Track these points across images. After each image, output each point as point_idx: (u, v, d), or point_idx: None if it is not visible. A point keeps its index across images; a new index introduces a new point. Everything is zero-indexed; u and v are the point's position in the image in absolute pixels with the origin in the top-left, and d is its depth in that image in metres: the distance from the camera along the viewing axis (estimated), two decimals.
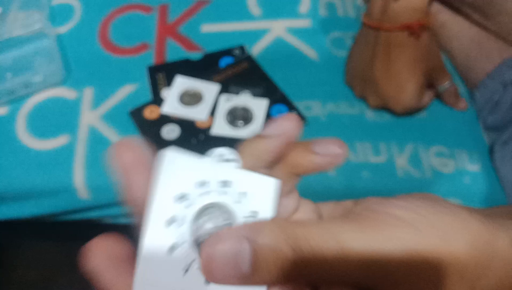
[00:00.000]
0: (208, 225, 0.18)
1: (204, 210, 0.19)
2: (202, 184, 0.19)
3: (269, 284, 0.17)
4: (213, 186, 0.19)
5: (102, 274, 0.17)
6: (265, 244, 0.16)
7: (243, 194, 0.19)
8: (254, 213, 0.19)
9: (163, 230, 0.18)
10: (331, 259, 0.16)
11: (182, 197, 0.19)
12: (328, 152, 0.20)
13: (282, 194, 0.20)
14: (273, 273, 0.16)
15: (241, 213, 0.19)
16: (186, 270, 0.18)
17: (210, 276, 0.16)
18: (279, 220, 0.18)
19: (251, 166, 0.20)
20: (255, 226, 0.17)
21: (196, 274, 0.18)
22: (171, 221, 0.18)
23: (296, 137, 0.20)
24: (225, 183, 0.19)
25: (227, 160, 0.20)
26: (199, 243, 0.18)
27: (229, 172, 0.20)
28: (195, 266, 0.18)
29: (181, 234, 0.18)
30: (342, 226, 0.17)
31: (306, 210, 0.22)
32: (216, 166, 0.20)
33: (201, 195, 0.19)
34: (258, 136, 0.20)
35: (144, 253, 0.17)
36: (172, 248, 0.18)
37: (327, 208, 0.23)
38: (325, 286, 0.18)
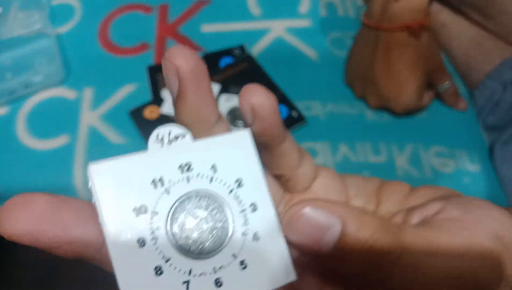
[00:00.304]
0: (189, 222, 0.16)
1: (182, 203, 0.16)
2: (161, 180, 0.16)
3: (348, 275, 0.16)
4: (176, 175, 0.16)
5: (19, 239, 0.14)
6: (358, 236, 0.15)
7: (216, 167, 0.17)
8: (239, 181, 0.17)
9: (130, 218, 0.15)
10: (421, 280, 0.16)
11: (155, 184, 0.16)
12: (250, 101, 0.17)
13: (293, 166, 0.19)
14: (350, 268, 0.16)
15: (224, 188, 0.16)
16: (158, 271, 0.15)
17: (289, 234, 0.16)
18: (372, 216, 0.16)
19: None
20: (358, 215, 0.16)
21: (170, 277, 0.15)
22: (140, 210, 0.15)
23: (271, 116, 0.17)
24: (187, 165, 0.16)
25: (176, 138, 0.17)
26: (178, 244, 0.16)
27: (187, 150, 0.16)
28: (169, 267, 0.15)
29: (153, 226, 0.15)
30: (438, 237, 0.16)
31: (327, 178, 0.21)
32: (171, 150, 0.16)
33: (173, 185, 0.16)
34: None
35: (112, 240, 0.15)
36: (142, 242, 0.15)
37: (355, 182, 0.22)
38: None
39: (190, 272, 0.15)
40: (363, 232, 0.15)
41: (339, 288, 0.18)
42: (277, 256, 0.17)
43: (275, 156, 0.19)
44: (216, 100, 0.18)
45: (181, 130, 0.17)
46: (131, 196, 0.15)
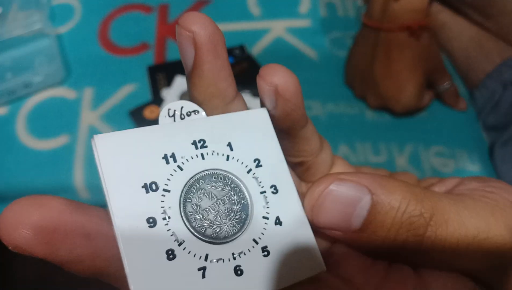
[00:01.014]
0: (205, 202, 0.14)
1: (196, 181, 0.14)
2: (173, 155, 0.14)
3: (369, 250, 0.15)
4: (189, 151, 0.14)
5: (30, 248, 0.12)
6: (393, 208, 0.14)
7: (232, 144, 0.15)
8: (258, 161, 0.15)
9: (139, 195, 0.13)
10: (453, 239, 0.15)
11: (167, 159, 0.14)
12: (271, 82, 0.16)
13: (315, 152, 0.18)
14: (386, 241, 0.14)
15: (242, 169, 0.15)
16: (170, 255, 0.13)
17: (315, 215, 0.14)
18: (399, 180, 0.15)
19: None
20: (385, 183, 0.15)
21: (184, 262, 0.13)
22: (150, 187, 0.14)
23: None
24: (201, 142, 0.15)
25: (188, 115, 0.15)
26: (190, 223, 0.14)
27: (201, 126, 0.15)
28: (183, 251, 0.13)
29: (164, 205, 0.14)
30: (475, 214, 0.15)
31: (343, 166, 0.20)
32: (184, 125, 0.15)
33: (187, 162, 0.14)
34: None
35: (119, 219, 0.13)
36: (152, 221, 0.13)
37: (366, 171, 0.21)
38: (429, 271, 0.16)
39: (206, 258, 0.14)
40: (394, 198, 0.14)
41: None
42: (303, 244, 0.15)
43: (297, 142, 0.17)
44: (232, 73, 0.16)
45: (194, 106, 0.15)
46: (140, 172, 0.14)
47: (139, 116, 0.49)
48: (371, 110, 0.51)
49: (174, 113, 0.15)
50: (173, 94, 0.50)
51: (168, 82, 0.52)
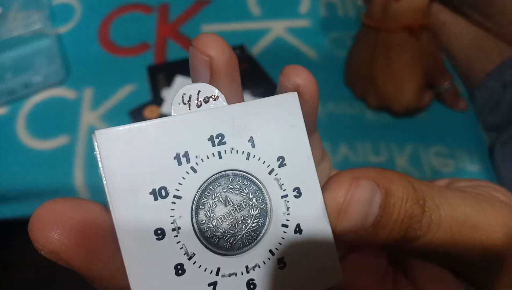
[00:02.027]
0: (219, 209, 0.13)
1: (211, 184, 0.13)
2: (184, 154, 0.13)
3: (381, 245, 0.15)
4: (203, 150, 0.13)
5: (67, 253, 0.11)
6: (398, 198, 0.14)
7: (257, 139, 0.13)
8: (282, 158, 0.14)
9: (146, 203, 0.12)
10: (446, 224, 0.15)
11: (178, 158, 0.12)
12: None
13: (317, 161, 0.18)
14: (391, 233, 0.14)
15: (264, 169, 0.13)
16: (179, 270, 0.12)
17: (341, 221, 0.14)
18: (402, 174, 0.15)
19: None
20: (387, 174, 0.14)
21: (193, 278, 0.12)
22: (159, 193, 0.12)
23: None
24: (219, 137, 0.13)
25: (206, 101, 0.13)
26: (203, 233, 0.13)
27: (220, 117, 0.13)
28: (193, 266, 0.12)
29: (175, 214, 0.12)
30: (462, 200, 0.16)
31: (329, 164, 0.20)
32: (201, 116, 0.13)
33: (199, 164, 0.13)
34: None
35: (123, 230, 0.12)
36: (160, 233, 0.12)
37: None
38: (419, 264, 0.16)
39: (218, 272, 0.13)
40: (397, 189, 0.14)
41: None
42: (322, 253, 0.14)
43: None
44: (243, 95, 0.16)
45: (214, 90, 0.13)
46: (149, 175, 0.12)
47: (139, 116, 0.49)
48: (371, 110, 0.51)
49: (190, 99, 0.13)
50: (173, 94, 0.50)
51: (168, 82, 0.52)
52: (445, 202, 0.15)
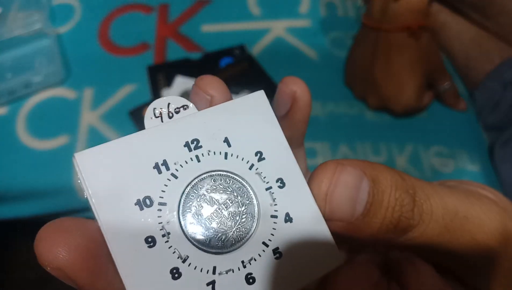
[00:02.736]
0: (206, 210, 0.13)
1: (194, 187, 0.13)
2: (164, 163, 0.13)
3: (376, 237, 0.15)
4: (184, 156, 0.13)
5: (72, 271, 0.12)
6: (386, 186, 0.14)
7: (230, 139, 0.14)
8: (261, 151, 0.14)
9: (133, 214, 0.12)
10: (439, 213, 0.15)
11: (159, 166, 0.13)
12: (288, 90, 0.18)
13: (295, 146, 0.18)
14: (383, 221, 0.14)
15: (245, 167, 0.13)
16: (175, 274, 0.12)
17: (329, 204, 0.14)
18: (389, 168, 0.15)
19: None
20: (373, 165, 0.15)
21: (190, 280, 0.12)
22: (144, 203, 0.12)
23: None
24: (194, 142, 0.14)
25: (177, 112, 0.14)
26: (189, 236, 0.13)
27: (193, 124, 0.13)
28: (188, 268, 0.13)
29: (162, 220, 0.13)
30: (451, 193, 0.16)
31: None
32: (173, 126, 0.13)
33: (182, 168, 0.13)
34: None
35: (115, 243, 0.12)
36: (151, 241, 0.12)
37: None
38: (414, 275, 0.16)
39: (214, 271, 0.13)
40: (385, 177, 0.15)
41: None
42: (317, 238, 0.14)
43: None
44: None
45: (182, 100, 0.14)
46: (131, 187, 0.12)
47: (139, 116, 0.49)
48: (371, 110, 0.51)
49: (161, 112, 0.14)
50: (173, 94, 0.50)
51: (168, 82, 0.52)
52: (435, 193, 0.15)
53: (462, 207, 0.16)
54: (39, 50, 0.54)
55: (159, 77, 0.53)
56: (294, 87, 0.17)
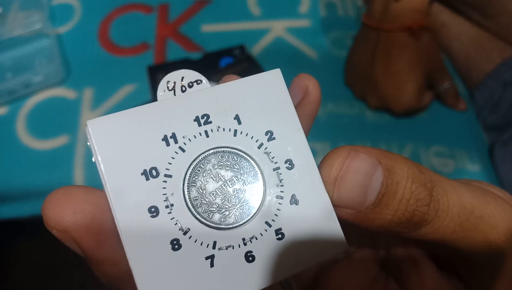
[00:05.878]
0: (211, 185, 0.13)
1: (200, 162, 0.13)
2: (173, 136, 0.13)
3: (387, 228, 0.14)
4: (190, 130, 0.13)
5: (77, 233, 0.12)
6: (402, 177, 0.14)
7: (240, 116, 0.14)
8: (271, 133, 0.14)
9: (138, 183, 0.12)
10: (455, 211, 0.15)
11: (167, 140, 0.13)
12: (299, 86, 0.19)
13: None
14: (395, 214, 0.14)
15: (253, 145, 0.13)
16: (175, 245, 0.12)
17: (337, 189, 0.14)
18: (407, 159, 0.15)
19: None
20: (389, 154, 0.14)
21: (190, 252, 0.13)
22: (150, 173, 0.13)
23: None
24: (204, 117, 0.13)
25: (190, 86, 0.14)
26: (196, 209, 0.13)
27: (204, 99, 0.13)
28: (188, 240, 0.13)
29: (167, 192, 0.13)
30: (469, 191, 0.16)
31: None
32: (185, 99, 0.13)
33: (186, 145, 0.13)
34: None
35: (119, 209, 0.12)
36: (154, 211, 0.13)
37: None
38: (411, 270, 0.16)
39: (214, 245, 0.13)
40: (401, 168, 0.14)
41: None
42: (322, 222, 0.14)
43: None
44: None
45: (197, 74, 0.14)
46: (139, 157, 0.13)
47: None
48: (371, 110, 0.51)
49: (174, 86, 0.14)
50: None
51: None
52: (453, 190, 0.15)
53: (479, 206, 0.15)
54: (39, 50, 0.54)
55: (159, 77, 0.53)
56: (308, 82, 0.18)
